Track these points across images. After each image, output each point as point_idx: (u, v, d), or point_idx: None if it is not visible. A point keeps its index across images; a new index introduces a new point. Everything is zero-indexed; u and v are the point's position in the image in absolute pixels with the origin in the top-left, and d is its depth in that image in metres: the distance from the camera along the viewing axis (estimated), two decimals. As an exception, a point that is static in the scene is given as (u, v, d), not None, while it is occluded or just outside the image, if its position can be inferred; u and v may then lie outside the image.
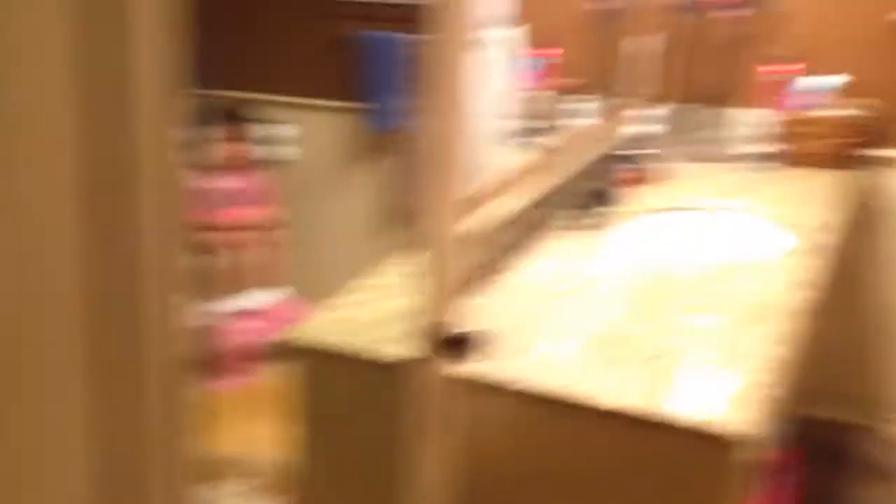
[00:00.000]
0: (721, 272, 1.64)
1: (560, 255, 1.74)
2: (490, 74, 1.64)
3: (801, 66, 2.35)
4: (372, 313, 1.41)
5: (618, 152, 2.21)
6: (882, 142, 2.39)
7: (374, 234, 2.89)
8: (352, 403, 1.33)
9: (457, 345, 1.05)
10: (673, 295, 1.53)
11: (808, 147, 2.33)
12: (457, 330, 1.06)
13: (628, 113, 2.38)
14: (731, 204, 2.07)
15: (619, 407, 1.15)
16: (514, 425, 1.23)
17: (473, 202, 1.52)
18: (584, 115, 2.12)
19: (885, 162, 2.39)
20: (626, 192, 2.08)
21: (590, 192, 1.93)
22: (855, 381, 2.59)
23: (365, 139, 2.91)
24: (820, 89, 2.34)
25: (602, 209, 1.91)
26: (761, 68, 2.39)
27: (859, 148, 2.35)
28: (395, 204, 2.82)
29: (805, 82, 2.35)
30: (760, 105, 2.40)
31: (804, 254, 1.72)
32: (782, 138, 2.35)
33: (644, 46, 2.44)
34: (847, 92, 2.34)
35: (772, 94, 2.38)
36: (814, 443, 2.21)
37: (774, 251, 1.76)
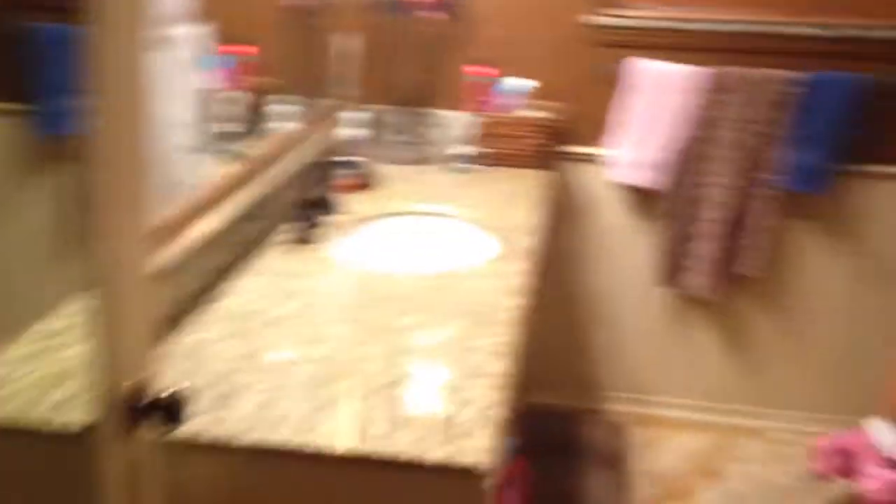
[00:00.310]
0: (439, 282, 1.60)
1: (277, 275, 1.59)
2: (177, 75, 1.43)
3: (495, 68, 2.42)
4: (46, 369, 1.15)
5: (330, 158, 2.11)
6: (572, 140, 2.56)
7: (52, 265, 2.50)
8: (24, 483, 1.07)
9: (155, 409, 0.87)
10: (396, 311, 1.46)
11: (508, 148, 2.41)
12: (153, 390, 0.88)
13: (335, 115, 2.29)
14: (442, 209, 2.07)
15: (353, 450, 1.04)
16: (236, 489, 1.07)
17: (169, 225, 1.32)
18: (286, 117, 1.99)
19: (578, 158, 2.56)
20: (344, 199, 1.98)
21: (305, 201, 1.81)
22: (574, 366, 2.76)
23: (35, 147, 2.50)
24: (516, 91, 2.43)
25: (320, 219, 1.80)
26: (466, 70, 2.42)
27: (553, 147, 2.48)
28: (75, 227, 2.45)
29: (505, 84, 2.43)
30: (465, 107, 2.44)
31: (514, 256, 1.75)
32: (485, 140, 2.41)
33: (345, 46, 2.36)
34: (540, 93, 2.46)
35: (475, 95, 2.43)
36: (539, 435, 2.31)
37: (486, 256, 1.76)
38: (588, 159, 2.56)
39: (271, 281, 1.57)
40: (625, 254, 2.63)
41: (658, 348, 2.70)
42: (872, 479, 2.06)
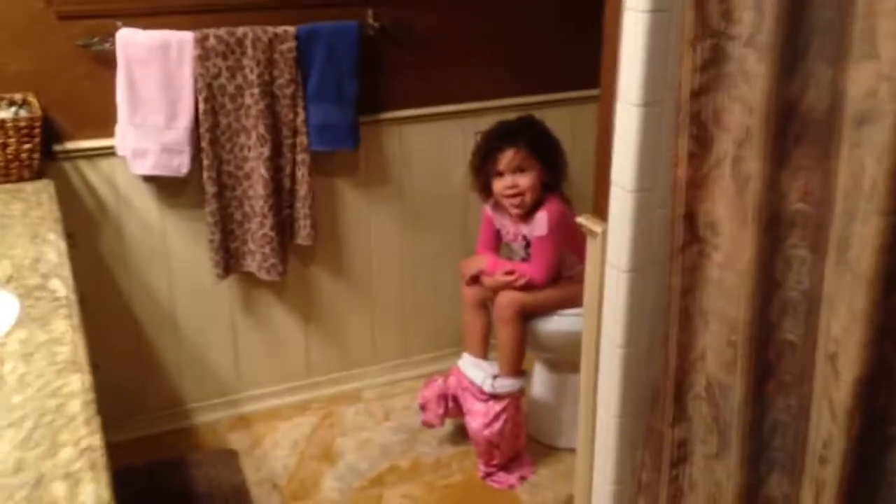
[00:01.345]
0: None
1: None
2: None
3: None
4: None
5: None
6: (72, 136, 2.09)
7: None
8: None
9: None
10: None
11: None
12: None
13: None
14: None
15: None
16: None
17: None
18: None
19: (86, 155, 2.10)
20: None
21: None
22: (151, 388, 2.37)
23: None
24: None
25: None
26: None
27: (44, 149, 1.98)
28: None
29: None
30: None
31: (46, 311, 1.31)
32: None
33: None
34: (5, 86, 1.94)
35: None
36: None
37: (2, 324, 1.30)
38: (100, 154, 2.13)
39: None
40: (176, 252, 2.28)
41: (236, 341, 2.43)
42: (476, 415, 2.13)
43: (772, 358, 1.32)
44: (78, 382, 1.12)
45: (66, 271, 1.46)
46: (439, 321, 2.65)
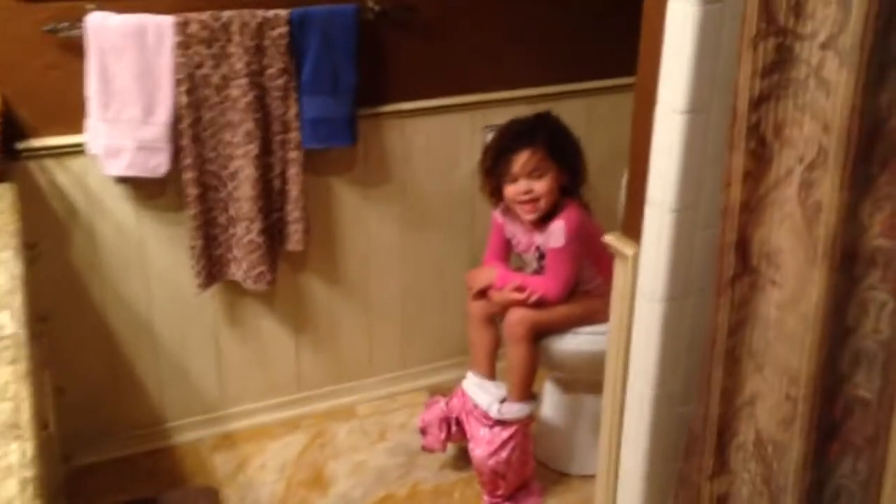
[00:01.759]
0: None
1: None
2: None
3: None
4: None
5: None
6: (36, 132, 1.88)
7: None
8: None
9: None
10: None
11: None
12: None
13: None
14: None
15: None
16: None
17: None
18: None
19: (53, 153, 1.91)
20: None
21: None
22: (127, 407, 2.17)
23: None
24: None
25: None
26: None
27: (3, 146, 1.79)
28: None
29: None
30: None
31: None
32: None
33: None
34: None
35: None
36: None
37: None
38: (69, 152, 1.92)
39: None
40: (154, 260, 2.08)
41: (221, 354, 2.24)
42: (481, 442, 1.94)
43: (837, 415, 1.14)
44: (17, 453, 0.93)
45: (19, 300, 1.25)
46: (440, 330, 2.47)
